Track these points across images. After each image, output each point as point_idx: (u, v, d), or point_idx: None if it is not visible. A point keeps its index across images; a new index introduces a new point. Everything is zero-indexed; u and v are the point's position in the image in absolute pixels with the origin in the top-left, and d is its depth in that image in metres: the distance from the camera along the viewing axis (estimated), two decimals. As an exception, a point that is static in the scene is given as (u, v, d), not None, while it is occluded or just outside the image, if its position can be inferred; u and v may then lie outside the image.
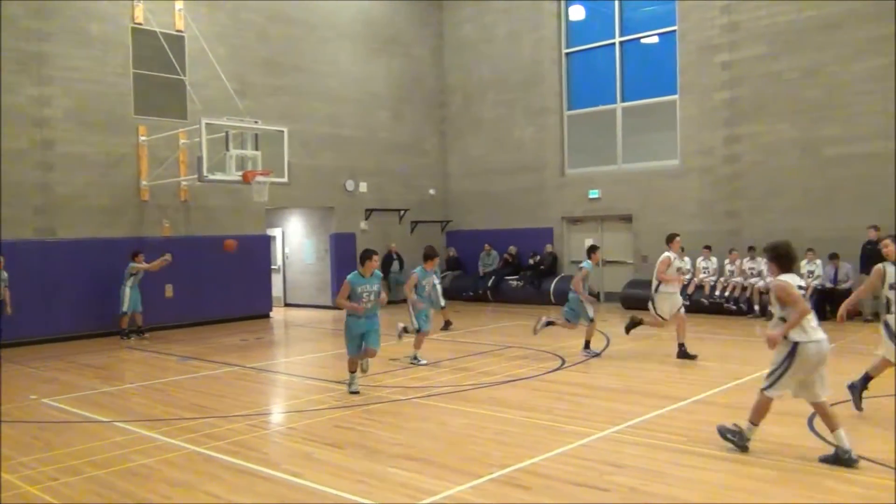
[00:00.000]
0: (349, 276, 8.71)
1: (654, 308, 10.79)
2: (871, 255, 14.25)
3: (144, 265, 14.51)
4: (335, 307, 9.19)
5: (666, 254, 10.74)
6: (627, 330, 11.35)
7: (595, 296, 11.45)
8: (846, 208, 15.24)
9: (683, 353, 10.62)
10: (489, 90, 21.54)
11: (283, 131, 15.44)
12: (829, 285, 14.74)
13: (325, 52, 19.56)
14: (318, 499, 5.38)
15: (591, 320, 11.17)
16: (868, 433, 6.62)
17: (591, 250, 11.47)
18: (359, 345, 8.78)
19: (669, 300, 10.70)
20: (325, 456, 6.41)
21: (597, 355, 11.09)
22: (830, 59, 15.60)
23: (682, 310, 10.80)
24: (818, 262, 14.90)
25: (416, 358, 10.78)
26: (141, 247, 15.12)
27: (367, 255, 8.82)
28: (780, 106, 16.26)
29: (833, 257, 14.76)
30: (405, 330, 11.32)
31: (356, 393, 8.72)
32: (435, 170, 22.35)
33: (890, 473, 5.52)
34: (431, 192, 22.15)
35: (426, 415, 7.81)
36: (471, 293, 20.46)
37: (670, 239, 10.83)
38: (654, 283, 10.79)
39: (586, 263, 11.30)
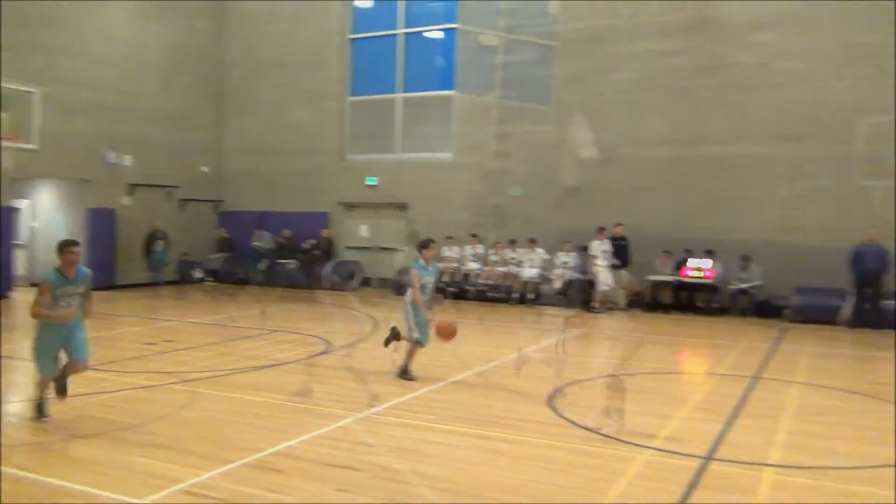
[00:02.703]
0: None
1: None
2: (618, 250, 15.85)
3: None
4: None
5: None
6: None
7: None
8: (594, 206, 16.82)
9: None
10: (270, 69, 20.97)
11: (33, 92, 13.95)
12: (577, 275, 16.18)
13: (90, 8, 17.87)
14: (49, 494, 4.97)
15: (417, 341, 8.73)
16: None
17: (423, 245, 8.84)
18: None
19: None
20: (61, 447, 5.96)
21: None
22: (591, 69, 17.07)
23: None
24: (573, 254, 16.27)
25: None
26: None
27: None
28: (545, 108, 17.52)
29: (583, 249, 16.23)
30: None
31: None
32: (208, 146, 21.36)
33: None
34: (204, 168, 21.15)
35: (181, 401, 7.48)
36: (241, 275, 19.80)
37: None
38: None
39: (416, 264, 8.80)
